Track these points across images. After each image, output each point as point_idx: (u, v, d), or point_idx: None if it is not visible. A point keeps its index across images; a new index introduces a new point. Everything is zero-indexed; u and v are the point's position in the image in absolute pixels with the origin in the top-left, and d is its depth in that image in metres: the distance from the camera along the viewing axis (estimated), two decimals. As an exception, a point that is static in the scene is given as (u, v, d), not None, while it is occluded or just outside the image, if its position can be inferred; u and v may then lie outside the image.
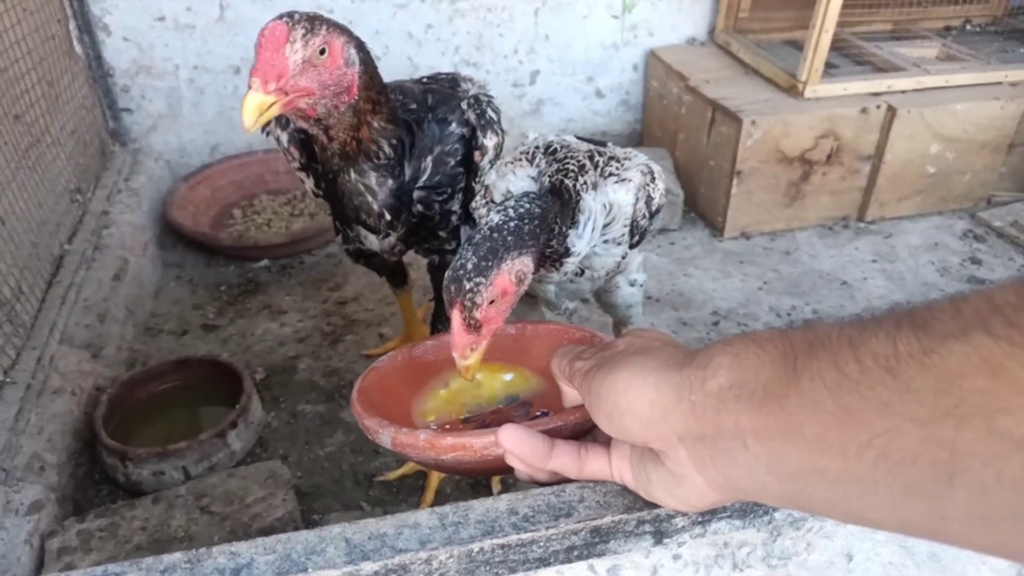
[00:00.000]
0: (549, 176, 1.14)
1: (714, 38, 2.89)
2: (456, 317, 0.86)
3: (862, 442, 0.38)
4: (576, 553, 0.60)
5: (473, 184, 1.36)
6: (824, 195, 2.52)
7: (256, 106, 0.99)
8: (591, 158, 1.16)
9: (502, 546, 0.57)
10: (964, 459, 0.34)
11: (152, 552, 1.26)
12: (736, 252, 2.44)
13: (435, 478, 1.59)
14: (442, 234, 1.41)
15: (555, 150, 1.19)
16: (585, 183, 1.12)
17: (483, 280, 0.89)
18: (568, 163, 1.14)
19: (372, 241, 1.37)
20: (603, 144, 1.25)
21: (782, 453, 0.43)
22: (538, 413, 0.76)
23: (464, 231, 1.44)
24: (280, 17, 1.00)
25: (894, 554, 0.68)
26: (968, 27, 2.98)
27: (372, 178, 1.24)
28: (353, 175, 1.23)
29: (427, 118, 1.29)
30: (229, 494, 1.46)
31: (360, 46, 1.12)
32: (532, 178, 1.16)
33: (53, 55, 2.10)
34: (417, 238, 1.42)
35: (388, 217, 1.29)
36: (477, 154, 1.33)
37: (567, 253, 1.10)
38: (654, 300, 2.20)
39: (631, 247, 1.22)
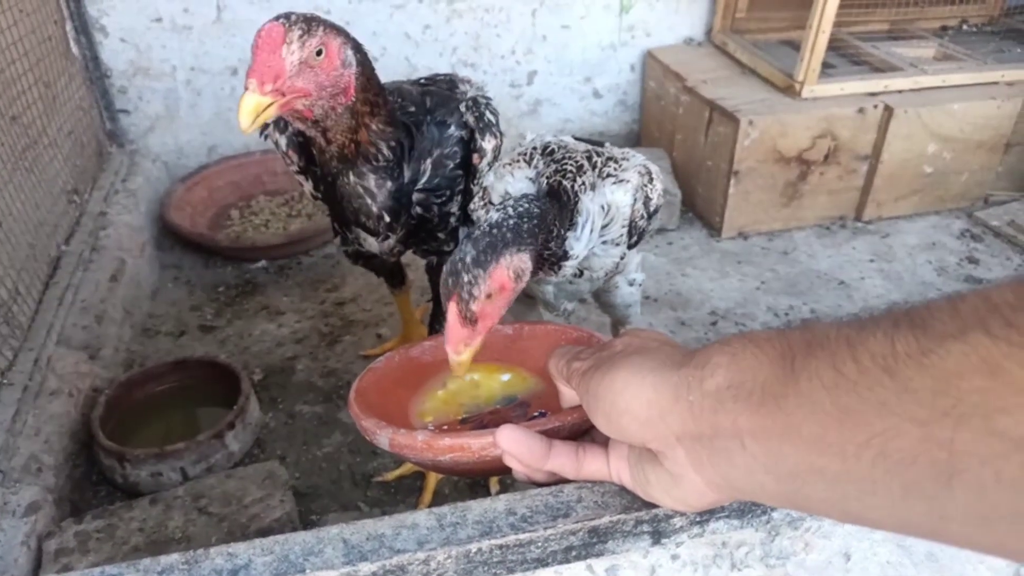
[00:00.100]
0: (547, 177, 1.14)
1: (711, 38, 2.89)
2: (452, 310, 0.86)
3: (860, 442, 0.38)
4: (574, 553, 0.60)
5: (472, 186, 1.36)
6: (821, 195, 2.52)
7: (253, 107, 0.99)
8: (589, 159, 1.16)
9: (500, 546, 0.57)
10: (963, 459, 0.34)
11: (150, 553, 1.26)
12: (734, 252, 2.45)
13: (433, 479, 1.59)
14: (441, 236, 1.41)
15: (553, 151, 1.19)
16: (583, 184, 1.12)
17: (481, 273, 0.89)
18: (566, 164, 1.14)
19: (371, 243, 1.37)
20: (601, 144, 1.25)
21: (780, 453, 0.43)
22: (536, 413, 0.76)
23: (463, 232, 1.44)
24: (277, 18, 1.00)
25: (892, 553, 0.68)
26: (965, 27, 2.99)
27: (371, 180, 1.23)
28: (352, 177, 1.23)
29: (426, 120, 1.29)
30: (227, 495, 1.46)
31: (357, 47, 1.12)
32: (530, 179, 1.17)
33: (50, 56, 2.10)
34: (416, 240, 1.41)
35: (387, 219, 1.29)
36: (476, 157, 1.33)
37: (565, 256, 1.10)
38: (652, 300, 2.20)
39: (629, 247, 1.22)
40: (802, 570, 0.67)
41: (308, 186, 1.39)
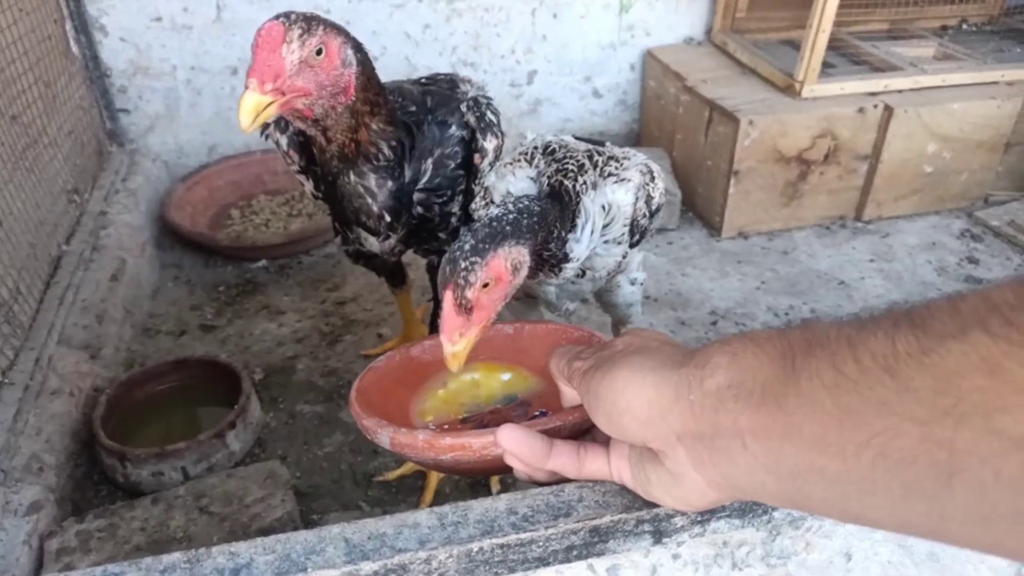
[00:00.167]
0: (548, 177, 1.14)
1: (711, 38, 2.89)
2: (448, 297, 0.87)
3: (860, 442, 0.38)
4: (575, 553, 0.60)
5: (473, 186, 1.36)
6: (821, 195, 2.52)
7: (253, 106, 0.99)
8: (590, 158, 1.16)
9: (501, 546, 0.57)
10: (963, 458, 0.34)
11: (151, 553, 1.26)
12: (734, 252, 2.45)
13: (434, 478, 1.59)
14: (442, 235, 1.41)
15: (554, 150, 1.19)
16: (584, 183, 1.12)
17: (479, 260, 0.89)
18: (567, 163, 1.14)
19: (372, 243, 1.37)
20: (602, 144, 1.25)
21: (781, 452, 0.43)
22: (537, 413, 0.76)
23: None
24: (277, 17, 1.00)
25: (893, 553, 0.68)
26: (965, 26, 2.99)
27: (372, 180, 1.24)
28: (352, 177, 1.23)
29: (427, 120, 1.29)
30: (228, 494, 1.46)
31: (357, 47, 1.12)
32: (531, 179, 1.17)
33: (50, 55, 2.10)
34: (417, 239, 1.42)
35: (388, 219, 1.29)
36: (477, 157, 1.33)
37: (565, 258, 1.10)
38: (652, 300, 2.20)
39: (631, 246, 1.22)
40: (803, 570, 0.67)
41: (309, 186, 1.39)
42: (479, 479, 1.62)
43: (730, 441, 0.45)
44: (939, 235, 2.53)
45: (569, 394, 0.65)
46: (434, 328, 1.62)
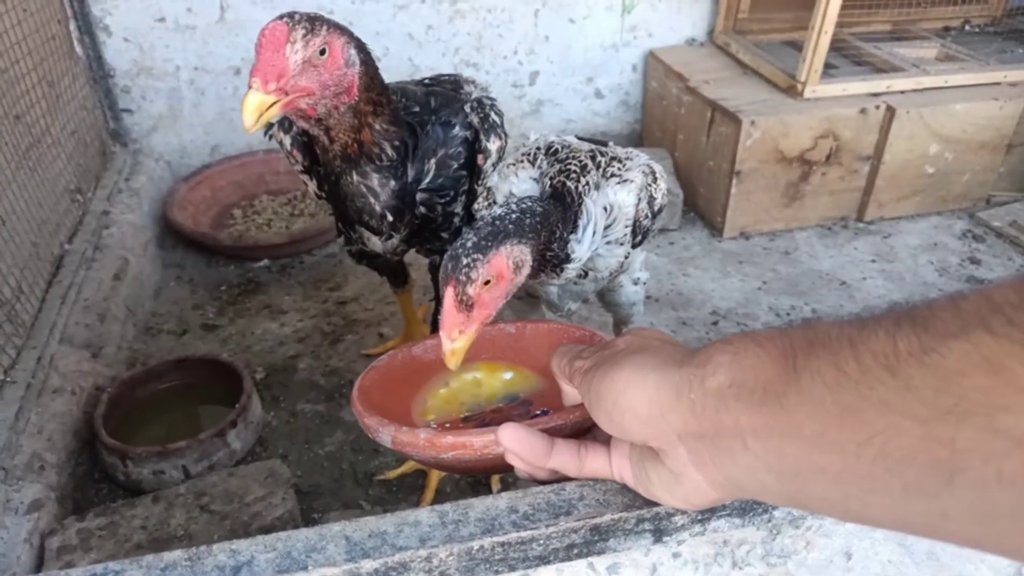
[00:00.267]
0: (551, 178, 1.14)
1: (713, 39, 2.89)
2: (449, 294, 0.87)
3: (862, 440, 0.38)
4: (576, 551, 0.60)
5: (476, 186, 1.36)
6: (823, 195, 2.52)
7: (256, 106, 0.99)
8: (593, 158, 1.16)
9: (502, 544, 0.57)
10: (964, 457, 0.34)
11: (152, 551, 1.26)
12: (735, 252, 2.45)
13: (435, 477, 1.59)
14: (444, 236, 1.41)
15: (556, 151, 1.19)
16: (587, 184, 1.12)
17: (480, 257, 0.90)
18: (570, 164, 1.14)
19: (375, 242, 1.38)
20: (604, 144, 1.25)
21: (782, 452, 0.43)
22: (538, 412, 0.76)
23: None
24: (280, 17, 1.00)
25: (893, 552, 0.68)
26: (967, 28, 2.99)
27: (374, 180, 1.24)
28: (355, 177, 1.23)
29: (430, 120, 1.29)
30: (229, 493, 1.46)
31: (360, 47, 1.12)
32: (534, 180, 1.17)
33: (54, 56, 2.10)
34: (419, 239, 1.42)
35: (390, 218, 1.29)
36: (480, 158, 1.33)
37: (567, 259, 1.10)
38: (653, 300, 2.20)
39: (634, 246, 1.22)
40: (803, 569, 0.67)
41: (312, 185, 1.40)
42: (480, 478, 1.62)
43: (731, 440, 0.45)
44: (941, 236, 2.53)
45: (570, 393, 0.65)
46: (436, 327, 1.62)
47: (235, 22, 2.50)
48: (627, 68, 2.93)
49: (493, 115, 1.34)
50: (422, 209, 1.31)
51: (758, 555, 0.65)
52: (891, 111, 2.37)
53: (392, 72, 1.30)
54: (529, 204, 1.01)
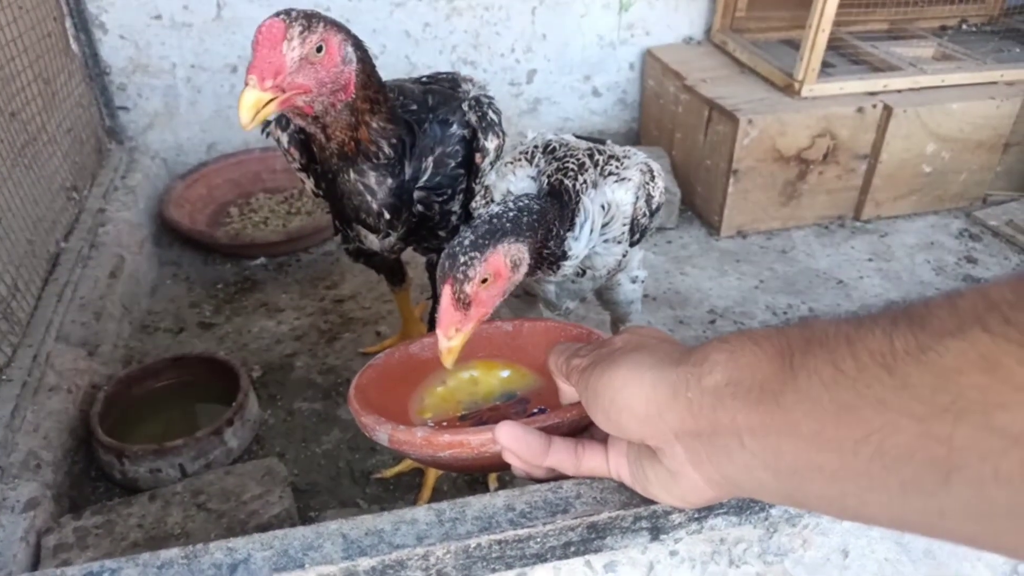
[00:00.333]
0: (548, 176, 1.14)
1: (711, 37, 2.89)
2: (446, 292, 0.87)
3: (859, 438, 0.38)
4: (573, 549, 0.60)
5: (473, 185, 1.36)
6: (820, 194, 2.52)
7: (253, 103, 0.99)
8: (591, 156, 1.16)
9: (499, 542, 0.57)
10: (961, 455, 0.34)
11: (148, 549, 1.26)
12: (732, 251, 2.45)
13: (432, 475, 1.59)
14: (442, 234, 1.41)
15: (554, 149, 1.19)
16: (584, 183, 1.12)
17: (478, 255, 0.90)
18: (567, 162, 1.14)
19: (372, 240, 1.37)
20: (602, 142, 1.25)
21: (779, 450, 0.43)
22: (535, 410, 0.76)
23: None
24: (277, 14, 1.00)
25: (890, 550, 0.68)
26: (964, 27, 2.99)
27: (371, 178, 1.23)
28: (352, 175, 1.23)
29: (428, 119, 1.29)
30: (226, 491, 1.46)
31: (357, 44, 1.12)
32: (532, 178, 1.17)
33: (49, 53, 2.10)
34: (417, 237, 1.42)
35: (388, 216, 1.29)
36: (478, 156, 1.33)
37: (564, 256, 1.10)
38: (651, 299, 2.21)
39: (631, 245, 1.22)
40: (800, 567, 0.67)
41: (309, 183, 1.39)
42: (477, 476, 1.62)
43: (728, 439, 0.45)
44: (937, 235, 2.54)
45: (567, 391, 0.65)
46: (433, 325, 1.63)
47: (231, 19, 2.49)
48: (624, 66, 2.93)
49: (491, 113, 1.34)
50: (419, 207, 1.31)
51: (755, 553, 0.65)
52: (888, 110, 2.38)
53: (389, 70, 1.30)
54: (527, 202, 1.01)
